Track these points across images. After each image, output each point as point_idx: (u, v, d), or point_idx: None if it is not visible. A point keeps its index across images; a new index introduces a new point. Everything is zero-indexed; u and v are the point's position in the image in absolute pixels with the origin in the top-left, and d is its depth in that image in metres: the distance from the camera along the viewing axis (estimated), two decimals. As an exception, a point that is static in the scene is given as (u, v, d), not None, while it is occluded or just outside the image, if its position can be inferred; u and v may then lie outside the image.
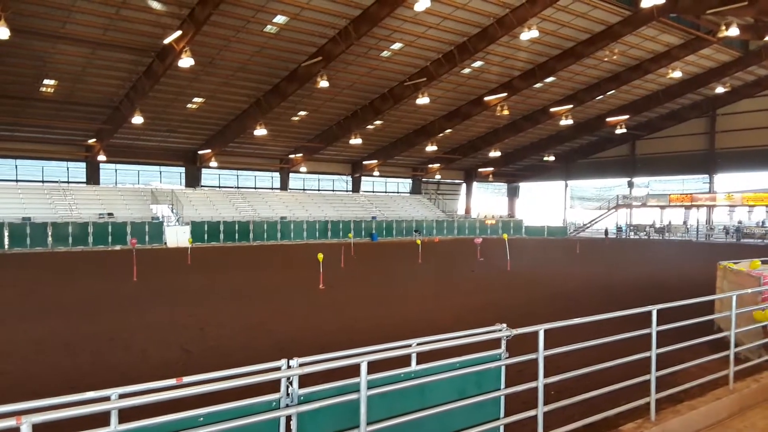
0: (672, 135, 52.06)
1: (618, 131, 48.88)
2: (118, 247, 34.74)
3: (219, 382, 3.44)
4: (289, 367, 3.69)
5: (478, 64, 34.95)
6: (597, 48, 33.76)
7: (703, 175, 51.68)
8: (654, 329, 6.05)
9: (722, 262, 11.42)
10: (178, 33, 25.58)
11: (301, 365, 3.69)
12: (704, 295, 8.48)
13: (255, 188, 48.47)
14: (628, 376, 5.94)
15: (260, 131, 36.62)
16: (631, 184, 56.73)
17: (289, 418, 3.64)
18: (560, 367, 5.75)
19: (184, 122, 38.12)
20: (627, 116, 46.82)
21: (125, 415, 3.02)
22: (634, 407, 5.98)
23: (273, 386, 3.65)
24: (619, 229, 53.79)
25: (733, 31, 30.06)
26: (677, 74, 39.02)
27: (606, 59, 36.19)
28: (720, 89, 43.49)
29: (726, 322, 7.77)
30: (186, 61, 26.32)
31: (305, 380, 3.73)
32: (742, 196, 46.46)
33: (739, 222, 48.69)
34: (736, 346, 7.45)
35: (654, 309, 6.05)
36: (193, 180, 44.20)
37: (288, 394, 3.65)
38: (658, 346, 6.09)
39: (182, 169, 44.36)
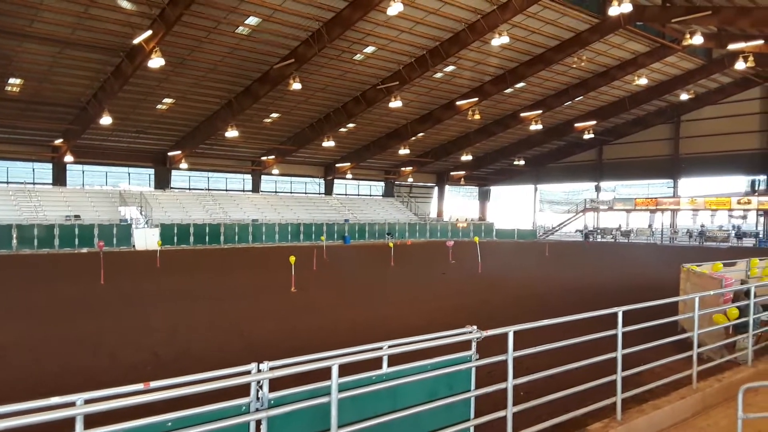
0: (638, 140, 53.14)
1: (586, 136, 49.73)
2: (85, 250, 34.00)
3: (188, 386, 3.42)
4: (259, 370, 3.67)
5: (449, 68, 35.22)
6: (566, 55, 34.33)
7: (668, 180, 52.83)
8: (620, 330, 6.18)
9: (685, 265, 11.71)
10: (149, 33, 25.20)
11: (271, 369, 3.68)
12: (669, 296, 8.68)
13: (226, 190, 47.99)
14: (596, 377, 6.06)
15: (231, 133, 36.27)
16: (598, 189, 57.71)
17: (259, 422, 3.62)
18: (530, 368, 5.83)
19: (154, 123, 37.55)
20: (594, 122, 47.68)
21: (91, 420, 2.97)
22: (601, 407, 6.10)
23: (244, 390, 3.64)
24: (588, 232, 54.66)
25: (697, 40, 30.88)
26: (643, 81, 39.87)
27: (574, 66, 36.82)
28: (684, 96, 44.56)
29: (689, 323, 7.97)
30: (156, 62, 25.94)
31: (277, 383, 3.73)
32: (705, 200, 47.63)
33: (702, 225, 49.93)
34: (699, 346, 7.65)
35: (620, 310, 6.18)
36: (162, 182, 43.54)
37: (258, 398, 3.64)
38: (624, 347, 6.23)
39: (151, 171, 43.66)
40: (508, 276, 22.35)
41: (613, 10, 26.93)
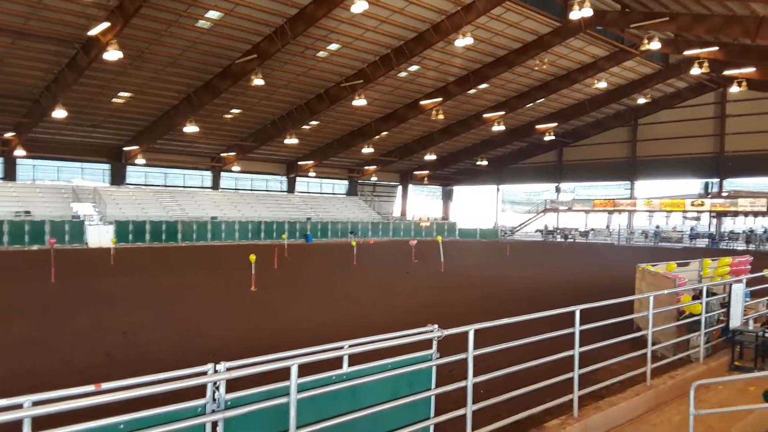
0: (597, 143, 54.32)
1: (547, 138, 50.57)
2: (35, 247, 32.87)
3: (141, 387, 3.32)
4: (216, 371, 3.59)
5: (414, 68, 35.34)
6: (528, 57, 34.85)
7: (625, 182, 54.20)
8: (577, 329, 6.29)
9: (641, 265, 11.99)
10: (106, 25, 24.50)
11: (228, 369, 3.60)
12: (625, 295, 8.88)
13: (184, 187, 46.99)
14: (554, 374, 6.15)
15: (191, 128, 35.54)
16: (558, 189, 58.80)
17: (215, 424, 3.54)
18: (490, 366, 5.87)
19: (110, 117, 36.54)
20: (555, 124, 48.54)
21: (40, 423, 2.86)
22: (559, 404, 6.20)
23: (201, 391, 3.55)
24: (549, 231, 55.57)
25: (655, 45, 31.71)
26: (602, 85, 40.79)
27: (536, 68, 37.40)
28: (642, 100, 45.80)
29: (644, 322, 8.17)
30: (113, 54, 25.23)
31: (236, 384, 3.66)
32: (660, 202, 49.02)
33: (657, 226, 51.38)
34: (654, 344, 7.85)
35: (577, 309, 6.29)
36: (117, 177, 42.41)
37: (214, 399, 3.56)
38: (581, 345, 6.34)
39: (106, 166, 42.45)
40: (471, 275, 22.54)
41: (574, 14, 27.44)
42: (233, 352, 8.93)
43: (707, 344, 9.19)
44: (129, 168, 43.02)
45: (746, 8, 26.48)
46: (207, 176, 47.98)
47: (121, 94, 33.49)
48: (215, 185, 47.99)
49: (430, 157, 52.03)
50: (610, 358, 7.25)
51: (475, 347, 5.09)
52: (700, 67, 35.60)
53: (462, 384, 5.05)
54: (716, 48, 32.93)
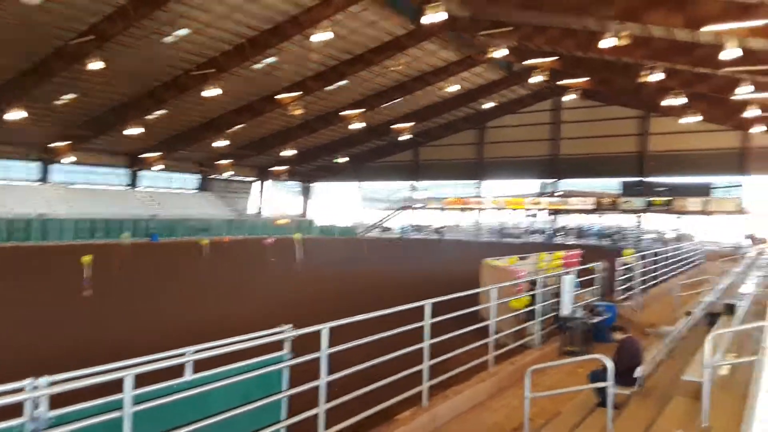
0: (449, 144, 57.06)
1: (403, 137, 52.10)
2: None
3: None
4: (35, 387, 3.17)
5: (270, 60, 34.52)
6: (384, 57, 35.61)
7: (475, 181, 57.53)
8: (427, 322, 6.50)
9: (486, 259, 12.75)
10: None
11: (51, 384, 3.21)
12: (473, 288, 9.35)
13: (7, 180, 41.77)
14: (407, 367, 6.29)
15: (14, 115, 31.61)
16: (413, 188, 60.95)
17: (33, 446, 3.13)
18: (346, 363, 5.85)
19: None
20: (411, 124, 50.12)
21: None
22: (411, 395, 6.36)
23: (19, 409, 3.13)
24: (386, 229, 57.28)
25: (501, 53, 33.86)
26: (454, 88, 42.80)
27: (392, 69, 38.36)
28: (488, 104, 48.85)
29: (488, 312, 8.65)
30: None
31: (64, 399, 3.30)
32: (505, 200, 52.87)
33: (501, 223, 55.24)
34: (497, 333, 8.35)
35: (427, 303, 6.50)
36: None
37: (34, 418, 3.14)
38: (434, 336, 6.56)
39: None
40: (327, 273, 22.59)
41: (426, 19, 28.35)
42: (60, 365, 8.06)
43: (543, 331, 9.97)
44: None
45: (580, 23, 29.09)
46: (34, 168, 43.06)
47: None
48: (44, 178, 43.28)
49: (287, 152, 51.27)
50: (460, 348, 7.58)
51: (331, 345, 5.03)
52: (540, 75, 38.64)
53: (315, 383, 4.97)
54: (554, 58, 35.95)
